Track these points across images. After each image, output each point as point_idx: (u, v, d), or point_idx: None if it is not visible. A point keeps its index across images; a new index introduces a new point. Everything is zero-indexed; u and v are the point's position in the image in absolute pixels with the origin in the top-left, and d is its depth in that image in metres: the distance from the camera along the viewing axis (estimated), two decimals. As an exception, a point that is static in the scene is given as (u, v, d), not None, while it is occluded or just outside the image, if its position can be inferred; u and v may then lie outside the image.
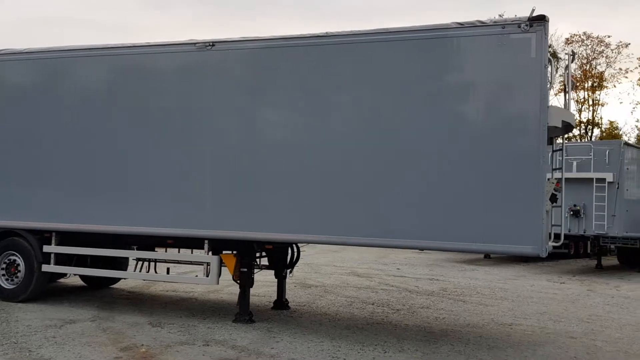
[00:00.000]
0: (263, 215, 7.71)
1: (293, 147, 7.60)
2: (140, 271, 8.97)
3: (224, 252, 8.25)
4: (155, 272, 9.06)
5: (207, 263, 8.19)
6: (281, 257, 8.97)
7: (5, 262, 9.25)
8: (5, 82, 9.32)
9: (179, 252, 8.75)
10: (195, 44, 8.17)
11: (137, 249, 8.92)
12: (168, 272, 9.36)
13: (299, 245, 9.09)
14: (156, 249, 9.08)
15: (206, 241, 8.14)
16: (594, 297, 12.27)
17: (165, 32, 64.47)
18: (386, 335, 7.75)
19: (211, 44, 8.07)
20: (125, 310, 8.87)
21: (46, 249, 9.03)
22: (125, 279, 10.16)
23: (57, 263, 9.05)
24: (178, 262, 9.11)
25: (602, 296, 12.50)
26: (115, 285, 10.97)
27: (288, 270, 9.08)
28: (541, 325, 8.90)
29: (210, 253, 8.14)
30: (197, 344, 6.93)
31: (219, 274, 8.17)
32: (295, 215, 7.57)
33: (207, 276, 8.26)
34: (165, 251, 8.92)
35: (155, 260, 8.88)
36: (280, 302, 9.47)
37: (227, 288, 10.87)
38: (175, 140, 8.14)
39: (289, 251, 9.02)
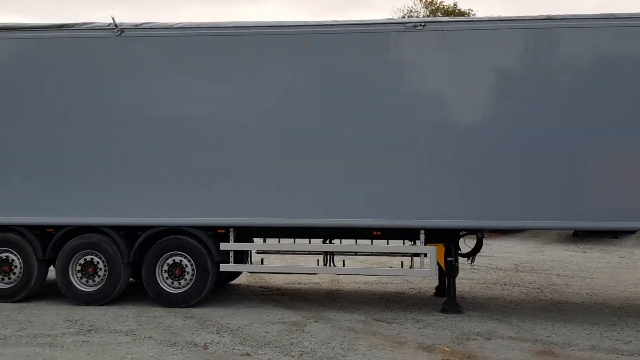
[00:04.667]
0: (485, 204, 7.70)
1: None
2: (325, 265, 8.52)
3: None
4: (333, 265, 8.63)
5: (424, 254, 7.98)
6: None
7: (167, 264, 8.33)
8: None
9: (387, 243, 8.41)
10: (404, 23, 7.88)
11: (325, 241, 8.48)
12: (344, 265, 8.97)
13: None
14: (333, 241, 8.62)
15: (422, 231, 7.93)
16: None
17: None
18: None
19: (422, 24, 7.80)
20: (337, 308, 8.36)
21: (224, 246, 8.27)
22: (315, 274, 9.55)
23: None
24: (386, 254, 8.73)
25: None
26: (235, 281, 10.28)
27: (470, 259, 9.02)
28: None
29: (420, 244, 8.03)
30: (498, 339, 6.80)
31: (437, 265, 7.99)
32: (499, 201, 7.70)
33: (419, 267, 8.09)
34: (356, 243, 8.54)
35: (356, 254, 8.52)
36: (443, 289, 9.43)
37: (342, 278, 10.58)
38: (393, 128, 7.79)
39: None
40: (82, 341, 6.50)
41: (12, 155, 8.37)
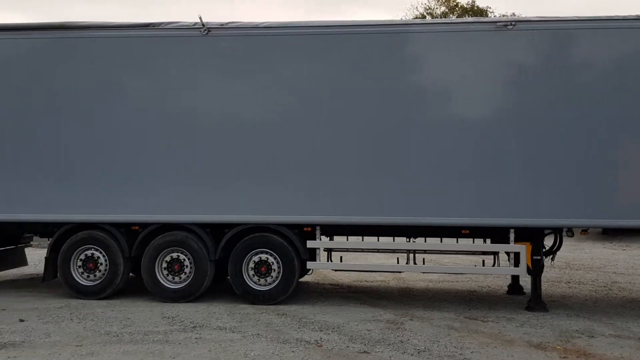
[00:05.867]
0: (572, 202, 7.82)
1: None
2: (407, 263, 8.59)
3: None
4: (414, 263, 8.69)
5: (515, 252, 8.05)
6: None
7: (253, 261, 8.39)
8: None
9: (473, 242, 8.47)
10: (495, 22, 7.93)
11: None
12: (424, 263, 9.04)
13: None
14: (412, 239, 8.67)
15: (512, 230, 8.00)
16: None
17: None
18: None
19: (512, 23, 7.85)
20: (421, 306, 8.44)
21: (310, 244, 8.34)
22: (400, 272, 9.61)
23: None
24: (476, 252, 8.75)
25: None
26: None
27: (550, 257, 9.07)
28: None
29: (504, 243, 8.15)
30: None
31: (527, 263, 8.07)
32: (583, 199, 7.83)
33: (509, 266, 8.15)
34: (441, 241, 8.60)
35: (442, 252, 8.60)
36: (516, 287, 9.53)
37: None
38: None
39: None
40: (195, 338, 6.56)
41: (97, 155, 8.40)
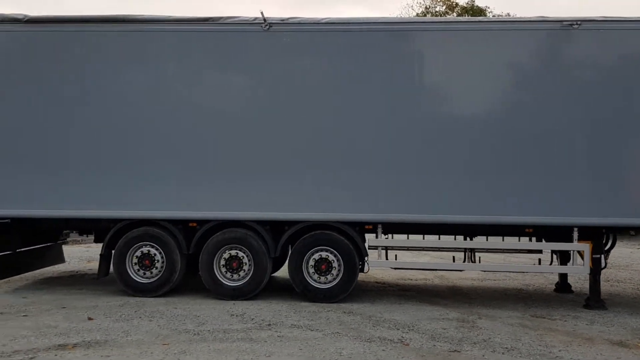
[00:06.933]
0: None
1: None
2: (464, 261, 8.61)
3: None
4: (472, 261, 8.70)
5: (578, 251, 8.10)
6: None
7: (314, 259, 8.34)
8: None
9: (539, 240, 8.51)
10: (561, 21, 7.94)
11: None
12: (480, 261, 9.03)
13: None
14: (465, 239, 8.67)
15: (575, 229, 8.04)
16: None
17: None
18: None
19: (578, 22, 7.89)
20: (481, 304, 8.46)
21: (372, 242, 8.31)
22: (461, 270, 9.58)
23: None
24: (538, 251, 8.75)
25: None
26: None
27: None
28: None
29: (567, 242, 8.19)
30: None
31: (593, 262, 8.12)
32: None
33: (572, 265, 8.21)
34: (487, 239, 8.62)
35: (505, 251, 8.61)
36: (564, 286, 9.59)
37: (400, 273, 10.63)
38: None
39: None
40: (277, 336, 6.49)
41: (154, 152, 8.28)
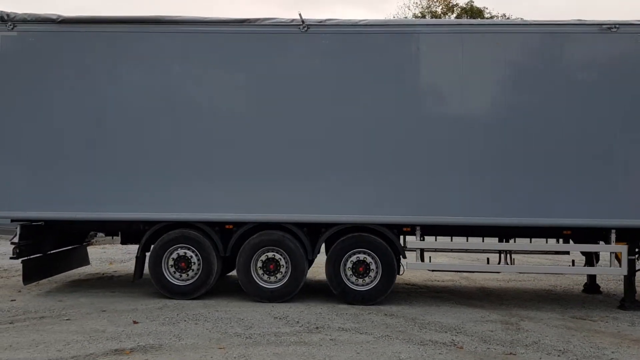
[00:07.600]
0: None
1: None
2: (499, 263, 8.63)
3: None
4: (506, 263, 8.73)
5: (615, 253, 8.16)
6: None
7: (351, 261, 8.33)
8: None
9: (575, 242, 8.54)
10: (600, 25, 7.99)
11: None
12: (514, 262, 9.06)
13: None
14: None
15: (613, 231, 8.10)
16: None
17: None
18: None
19: (616, 26, 7.94)
20: (518, 306, 8.48)
21: (412, 244, 8.32)
22: (497, 272, 9.58)
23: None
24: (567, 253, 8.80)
25: None
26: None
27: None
28: None
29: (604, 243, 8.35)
30: None
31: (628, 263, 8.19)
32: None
33: (610, 266, 8.34)
34: (515, 241, 8.68)
35: (542, 253, 8.65)
36: (593, 287, 9.66)
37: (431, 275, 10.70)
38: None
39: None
40: (329, 339, 6.48)
41: (192, 154, 8.24)
